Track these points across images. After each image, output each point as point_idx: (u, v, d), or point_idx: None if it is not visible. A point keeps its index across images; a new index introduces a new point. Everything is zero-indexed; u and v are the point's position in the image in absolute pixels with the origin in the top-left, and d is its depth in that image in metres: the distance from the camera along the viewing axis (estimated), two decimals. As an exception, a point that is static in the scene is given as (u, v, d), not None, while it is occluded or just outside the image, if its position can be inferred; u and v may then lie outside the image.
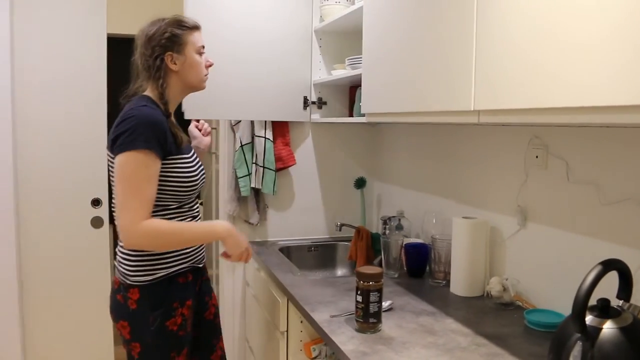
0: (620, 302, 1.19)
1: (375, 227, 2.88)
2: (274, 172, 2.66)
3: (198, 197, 1.91)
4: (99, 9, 2.68)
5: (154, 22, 1.74)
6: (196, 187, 1.80)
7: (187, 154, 1.79)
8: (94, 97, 2.70)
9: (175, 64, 1.73)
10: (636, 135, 1.43)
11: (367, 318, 1.58)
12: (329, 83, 2.66)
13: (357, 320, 1.60)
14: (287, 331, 2.04)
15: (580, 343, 1.11)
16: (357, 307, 1.60)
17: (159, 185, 1.67)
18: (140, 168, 1.60)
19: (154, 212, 1.67)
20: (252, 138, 2.68)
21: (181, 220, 1.77)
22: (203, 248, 1.91)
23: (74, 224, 2.73)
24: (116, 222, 1.65)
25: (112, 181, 1.67)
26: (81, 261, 2.75)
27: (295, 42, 2.66)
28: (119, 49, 2.94)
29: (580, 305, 1.09)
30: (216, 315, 2.02)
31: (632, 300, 1.20)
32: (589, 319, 1.13)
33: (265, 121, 2.65)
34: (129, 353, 1.77)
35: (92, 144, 2.72)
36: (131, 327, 1.73)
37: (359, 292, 1.59)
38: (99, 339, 2.82)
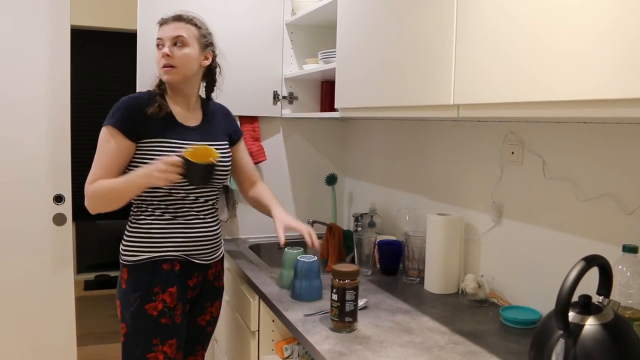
0: (600, 298, 1.18)
1: (347, 224, 2.85)
2: (243, 169, 2.60)
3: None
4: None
5: None
6: None
7: (175, 138, 1.81)
8: (57, 90, 2.58)
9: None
10: (612, 130, 1.42)
11: (343, 317, 1.55)
12: (300, 78, 2.61)
13: (332, 319, 1.57)
14: (258, 331, 1.99)
15: (563, 340, 1.10)
16: (332, 306, 1.56)
17: (141, 164, 1.76)
18: (102, 141, 1.78)
19: (146, 195, 1.80)
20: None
21: (177, 208, 1.84)
22: (200, 243, 1.89)
23: (34, 222, 2.61)
24: None
25: None
26: (42, 260, 2.63)
27: (266, 35, 2.61)
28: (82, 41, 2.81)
29: (564, 302, 1.07)
30: (210, 323, 2.04)
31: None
32: (571, 315, 1.12)
33: (233, 116, 2.58)
34: (122, 334, 1.85)
35: (54, 138, 2.60)
36: (121, 307, 1.83)
37: (334, 291, 1.56)
38: (61, 342, 2.71)
